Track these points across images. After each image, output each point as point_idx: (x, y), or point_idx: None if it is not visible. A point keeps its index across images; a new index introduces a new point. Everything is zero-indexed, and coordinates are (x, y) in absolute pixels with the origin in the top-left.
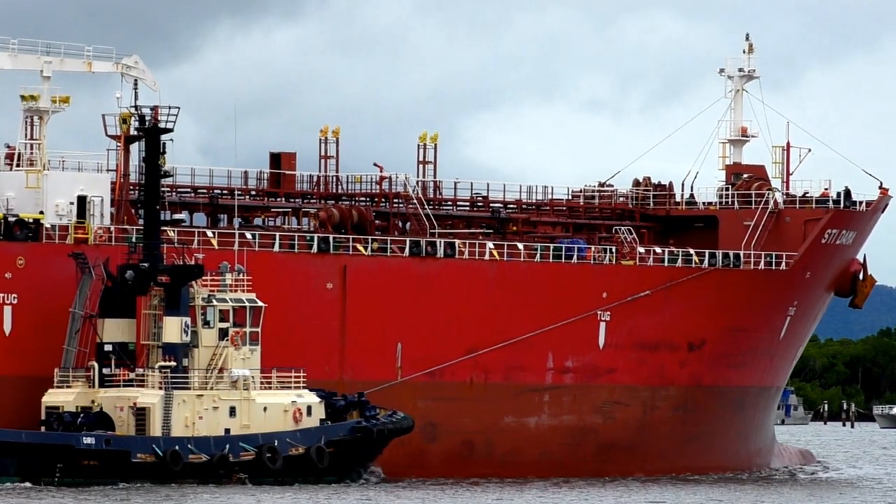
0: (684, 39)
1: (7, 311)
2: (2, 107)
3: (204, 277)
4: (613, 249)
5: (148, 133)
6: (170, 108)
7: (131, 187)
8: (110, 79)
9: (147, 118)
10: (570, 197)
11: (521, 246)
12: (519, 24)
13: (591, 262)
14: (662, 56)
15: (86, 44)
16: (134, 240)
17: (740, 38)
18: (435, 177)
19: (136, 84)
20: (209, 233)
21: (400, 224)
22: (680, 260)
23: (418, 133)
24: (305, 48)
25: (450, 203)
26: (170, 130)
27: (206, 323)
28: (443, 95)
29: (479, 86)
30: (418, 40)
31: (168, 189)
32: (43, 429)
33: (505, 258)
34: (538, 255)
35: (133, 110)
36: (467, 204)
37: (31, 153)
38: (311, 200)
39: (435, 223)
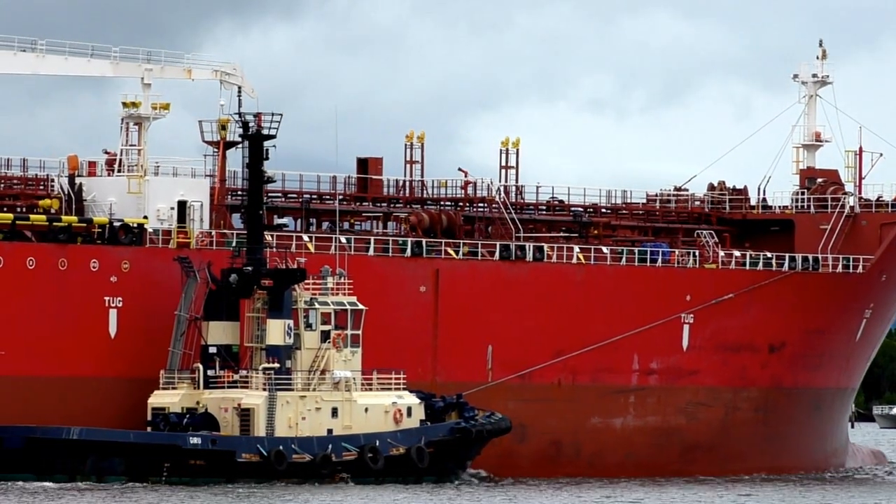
0: (686, 39)
1: (112, 314)
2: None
3: (306, 281)
4: (696, 253)
5: (251, 139)
6: (272, 114)
7: (228, 192)
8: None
9: (250, 125)
10: (646, 201)
11: (606, 250)
12: (520, 23)
13: (675, 265)
14: (664, 56)
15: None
16: (234, 244)
17: (742, 37)
18: (517, 181)
19: (239, 91)
20: (305, 237)
21: (483, 228)
22: (761, 263)
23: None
24: (304, 48)
25: (531, 207)
26: (273, 137)
27: (309, 325)
28: (444, 95)
29: (480, 86)
30: (418, 40)
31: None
32: (149, 429)
33: (592, 262)
34: (623, 259)
35: (237, 117)
36: (545, 207)
37: (130, 158)
38: (398, 205)
39: (520, 227)
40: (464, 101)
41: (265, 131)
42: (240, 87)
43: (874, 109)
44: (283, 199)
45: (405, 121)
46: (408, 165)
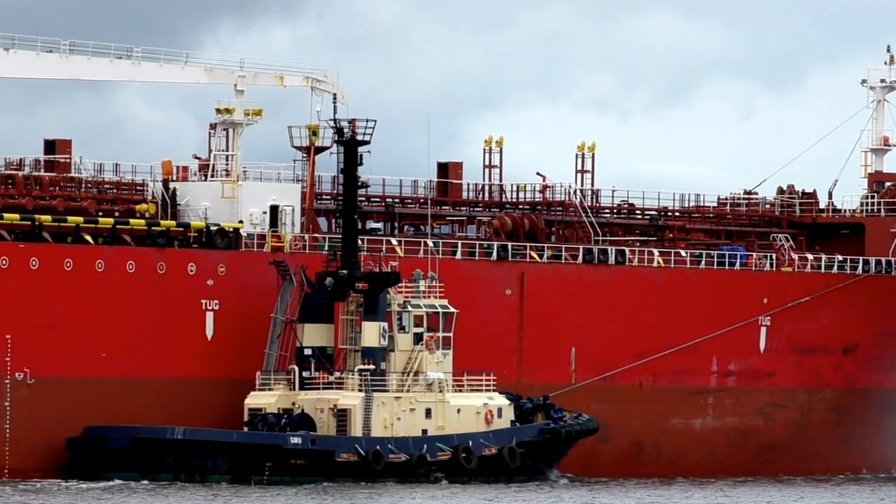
0: (688, 39)
1: (209, 316)
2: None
3: (399, 284)
4: (773, 256)
5: (346, 145)
6: (367, 120)
7: (318, 196)
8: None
9: (345, 131)
10: (716, 204)
11: (684, 253)
12: (521, 22)
13: (753, 268)
14: (666, 56)
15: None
16: (326, 248)
17: (744, 37)
18: (593, 185)
19: (334, 98)
20: (393, 241)
21: (561, 231)
22: (835, 266)
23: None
24: (305, 47)
25: (607, 210)
26: (367, 143)
27: (402, 328)
28: (445, 94)
29: (481, 85)
30: (419, 39)
31: (328, 196)
32: (246, 429)
33: (672, 265)
34: (702, 263)
35: (332, 123)
36: (621, 211)
37: (221, 163)
38: (477, 208)
39: (598, 231)
40: (465, 100)
41: (359, 137)
42: (335, 95)
43: None
44: (367, 203)
45: (406, 120)
46: (486, 170)
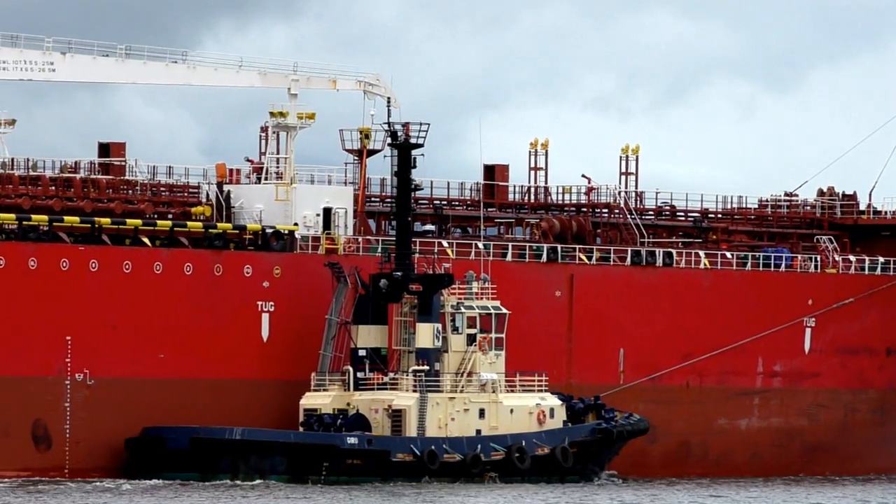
0: (689, 39)
1: (265, 318)
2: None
3: (452, 286)
4: (817, 258)
5: (400, 148)
6: (420, 124)
7: (370, 199)
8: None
9: (399, 134)
10: (758, 206)
11: (730, 255)
12: (522, 21)
13: (798, 270)
14: (667, 55)
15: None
16: (380, 250)
17: (744, 36)
18: (637, 187)
19: (388, 102)
20: (444, 243)
21: (607, 233)
22: (879, 268)
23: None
24: (304, 46)
25: (651, 212)
26: (421, 146)
27: (456, 329)
28: (445, 94)
29: (482, 85)
30: (419, 38)
31: (377, 199)
32: (301, 430)
33: (718, 267)
34: (748, 264)
35: (386, 127)
36: (663, 213)
37: (279, 167)
38: (523, 210)
39: (644, 233)
40: (465, 100)
41: (413, 140)
42: (389, 98)
43: None
44: (415, 205)
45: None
46: (532, 172)
